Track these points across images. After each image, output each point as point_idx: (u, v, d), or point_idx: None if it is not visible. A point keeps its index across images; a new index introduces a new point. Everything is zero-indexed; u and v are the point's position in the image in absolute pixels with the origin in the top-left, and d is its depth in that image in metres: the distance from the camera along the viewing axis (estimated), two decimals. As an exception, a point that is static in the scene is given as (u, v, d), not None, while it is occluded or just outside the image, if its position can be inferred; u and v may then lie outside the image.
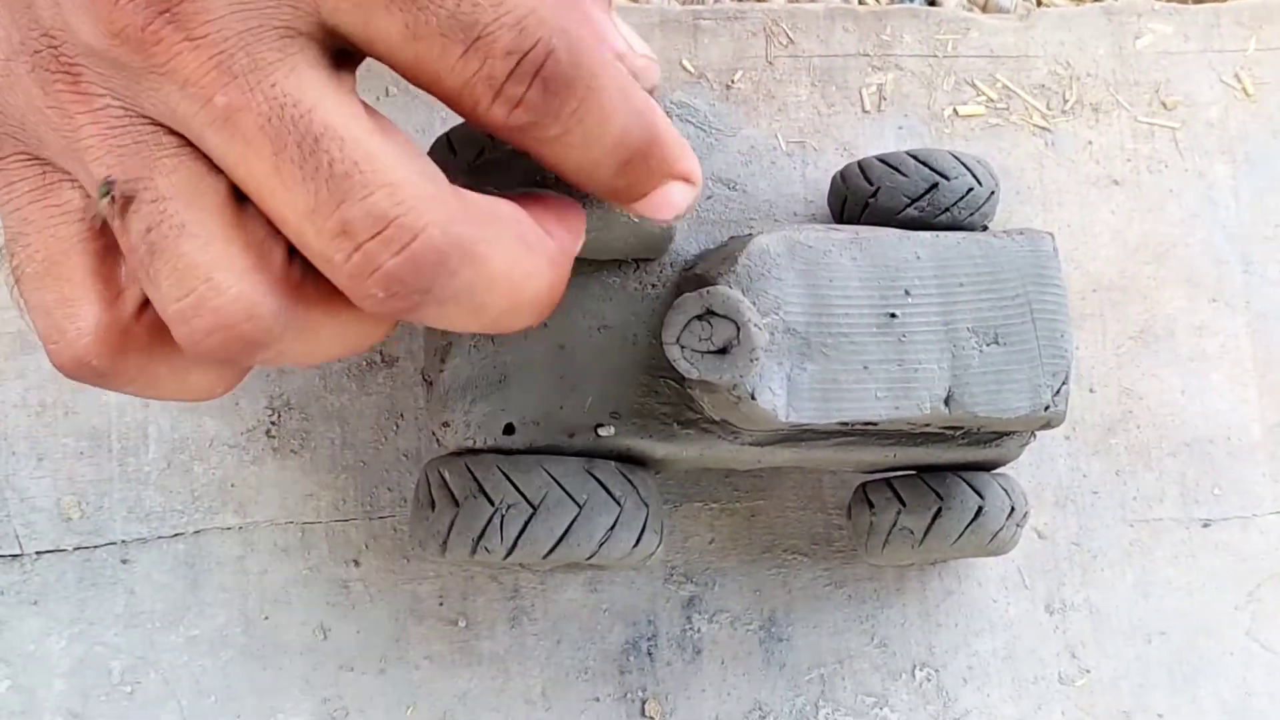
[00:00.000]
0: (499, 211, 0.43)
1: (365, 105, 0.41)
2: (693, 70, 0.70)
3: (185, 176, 0.40)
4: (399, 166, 0.40)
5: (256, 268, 0.41)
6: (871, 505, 0.63)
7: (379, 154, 0.39)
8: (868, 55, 0.71)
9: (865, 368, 0.56)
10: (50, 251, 0.42)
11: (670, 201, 0.46)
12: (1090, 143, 0.72)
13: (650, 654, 0.66)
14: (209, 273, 0.40)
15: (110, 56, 0.39)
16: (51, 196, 0.42)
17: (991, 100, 0.71)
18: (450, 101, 0.41)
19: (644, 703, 0.65)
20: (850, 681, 0.67)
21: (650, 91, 0.48)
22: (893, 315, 0.57)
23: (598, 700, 0.65)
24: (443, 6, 0.39)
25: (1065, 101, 0.72)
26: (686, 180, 0.46)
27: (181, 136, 0.40)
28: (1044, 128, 0.72)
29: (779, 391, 0.54)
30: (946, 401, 0.57)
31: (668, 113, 0.69)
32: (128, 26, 0.38)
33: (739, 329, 0.52)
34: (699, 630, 0.66)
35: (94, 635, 0.62)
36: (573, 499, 0.56)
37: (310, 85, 0.39)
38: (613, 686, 0.65)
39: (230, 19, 0.38)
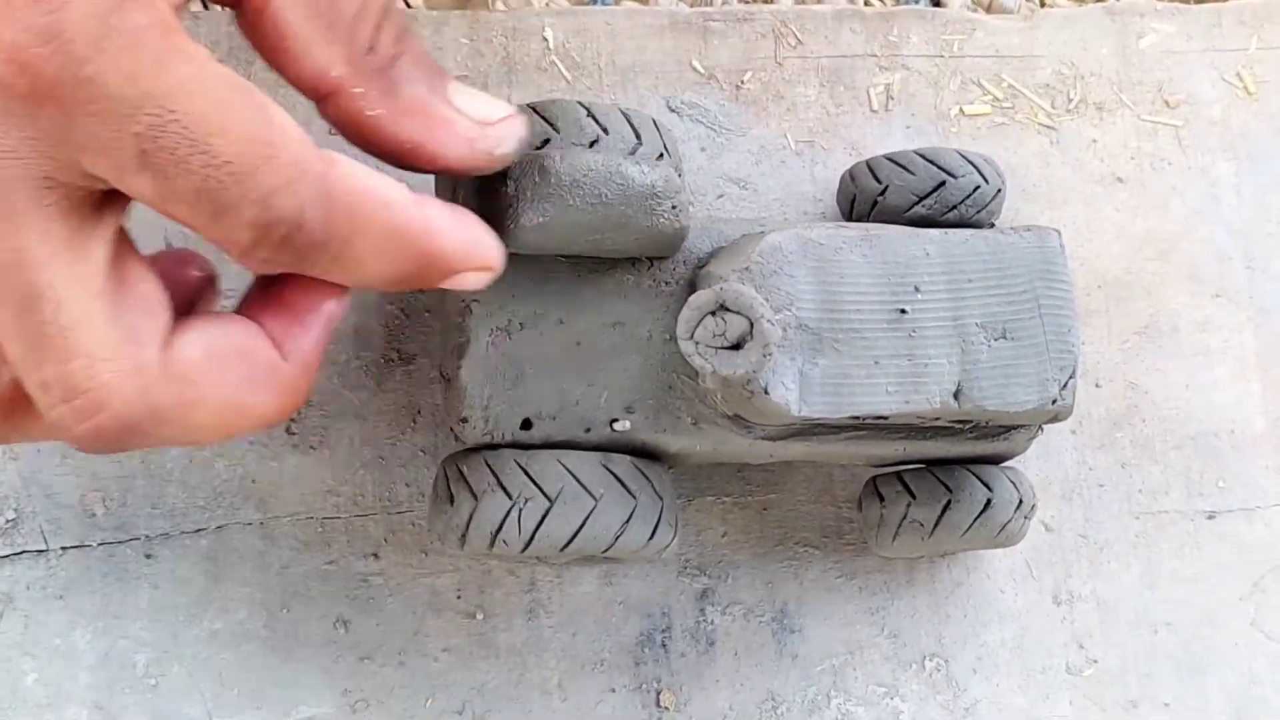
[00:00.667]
0: (218, 357, 0.45)
1: (119, 251, 0.43)
2: (703, 71, 0.71)
3: None
4: (106, 338, 0.42)
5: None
6: (882, 498, 0.64)
7: (89, 322, 0.41)
8: (875, 56, 0.72)
9: (876, 363, 0.57)
10: None
11: (461, 286, 0.48)
12: (1094, 141, 0.73)
13: (665, 645, 0.67)
14: None
15: None
16: None
17: (997, 99, 0.73)
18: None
19: (659, 693, 0.66)
20: (861, 672, 0.68)
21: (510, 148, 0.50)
22: (903, 311, 0.58)
23: (613, 691, 0.66)
24: (190, 177, 0.41)
25: (1070, 100, 0.73)
26: (480, 270, 0.48)
27: None
28: (1049, 126, 0.73)
29: (791, 386, 0.55)
30: (956, 396, 0.58)
31: (677, 112, 0.70)
32: None
33: (752, 324, 0.53)
34: (712, 622, 0.67)
35: (119, 629, 0.63)
36: (589, 493, 0.57)
37: (49, 241, 0.41)
38: (628, 677, 0.67)
39: None
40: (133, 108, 0.39)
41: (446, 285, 0.48)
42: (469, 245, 0.47)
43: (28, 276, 0.40)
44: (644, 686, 0.66)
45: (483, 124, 0.49)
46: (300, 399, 0.47)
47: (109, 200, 0.42)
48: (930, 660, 0.68)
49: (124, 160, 0.40)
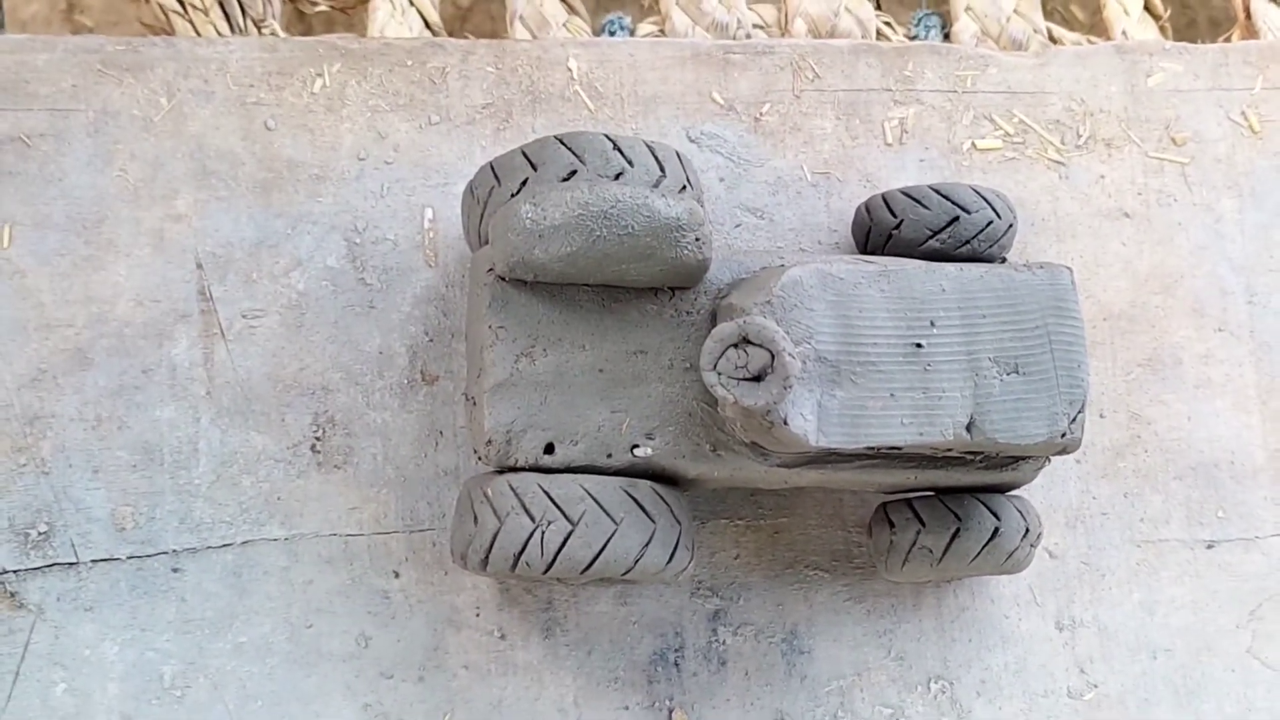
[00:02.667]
0: None
1: None
2: (722, 102, 0.72)
3: None
4: None
5: None
6: (892, 525, 0.66)
7: None
8: (890, 90, 0.74)
9: (892, 395, 0.59)
10: None
11: None
12: (1102, 177, 0.75)
13: (677, 665, 0.68)
14: None
15: None
16: None
17: (1009, 135, 0.74)
18: None
19: (671, 711, 0.68)
20: (868, 693, 0.69)
21: None
22: (919, 345, 0.59)
23: (627, 709, 0.68)
24: None
25: (1079, 137, 0.75)
26: None
27: None
28: (1058, 162, 0.74)
29: (810, 417, 0.57)
30: (968, 428, 0.60)
31: (697, 143, 0.72)
32: None
33: (773, 357, 0.55)
34: (724, 642, 0.69)
35: (146, 641, 0.65)
36: (610, 516, 0.59)
37: None
38: (641, 695, 0.68)
39: None
40: None
41: None
42: None
43: None
44: (657, 705, 0.68)
45: None
46: None
47: None
48: (935, 683, 0.70)
49: None
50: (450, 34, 0.77)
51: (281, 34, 0.75)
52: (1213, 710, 0.71)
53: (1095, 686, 0.71)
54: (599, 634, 0.68)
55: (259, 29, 0.76)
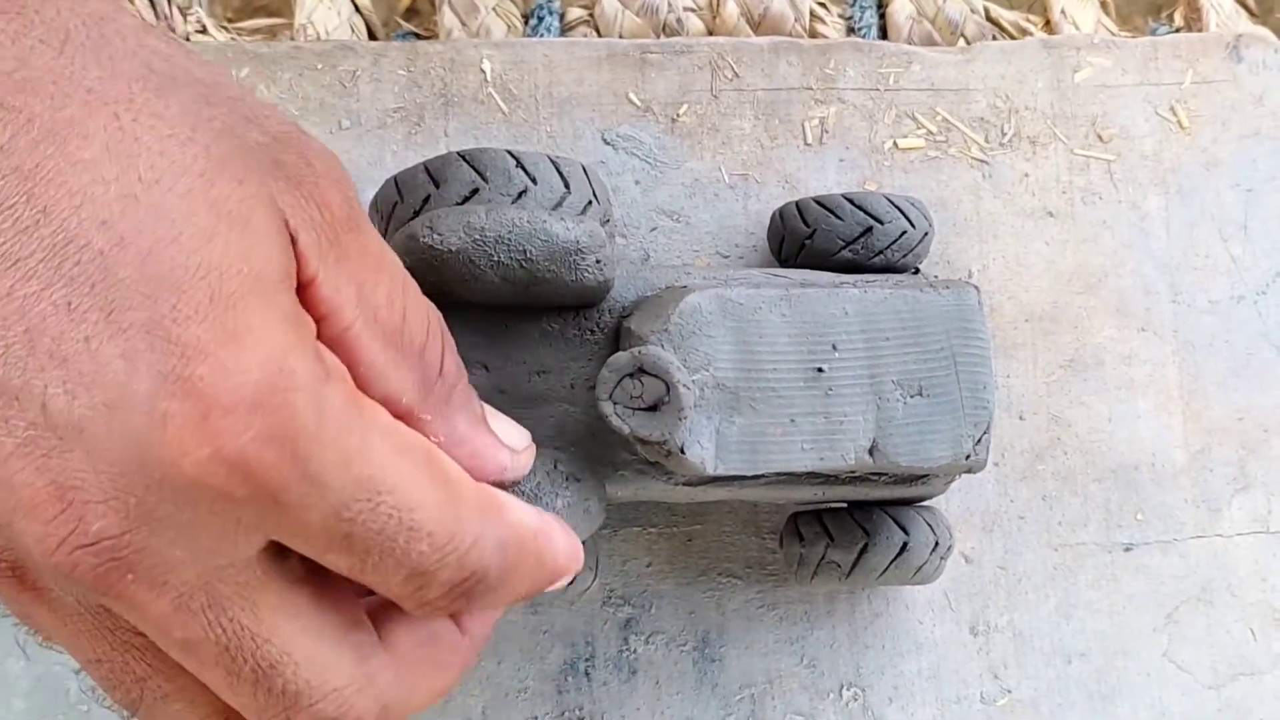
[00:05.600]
0: (420, 645, 0.47)
1: (307, 576, 0.44)
2: (639, 104, 0.72)
3: (158, 657, 0.43)
4: (341, 669, 0.43)
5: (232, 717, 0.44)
6: (801, 538, 0.66)
7: (325, 664, 0.43)
8: (811, 89, 0.73)
9: (792, 420, 0.58)
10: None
11: (554, 588, 0.50)
12: (1027, 175, 0.74)
13: (588, 674, 0.68)
14: None
15: (68, 586, 0.40)
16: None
17: (931, 133, 0.73)
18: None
19: (580, 721, 0.68)
20: (780, 701, 0.69)
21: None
22: (820, 370, 0.59)
23: (536, 719, 0.68)
24: (390, 554, 0.41)
25: (1004, 134, 0.74)
26: (573, 573, 0.50)
27: None
28: (982, 160, 0.74)
29: (707, 445, 0.57)
30: (871, 452, 0.59)
31: (613, 145, 0.71)
32: (90, 585, 0.39)
33: (669, 387, 0.54)
34: (635, 651, 0.69)
35: (51, 656, 0.65)
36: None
37: (264, 614, 0.41)
38: (550, 705, 0.68)
39: (188, 564, 0.39)
40: (347, 496, 0.40)
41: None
42: (573, 556, 0.50)
43: (255, 655, 0.41)
44: (566, 714, 0.68)
45: (513, 453, 0.51)
46: (470, 669, 0.50)
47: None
48: (848, 689, 0.70)
49: (330, 542, 0.41)
50: (384, 21, 0.76)
51: (207, 20, 0.74)
52: (1127, 714, 0.72)
53: (1009, 692, 0.71)
54: (508, 644, 0.68)
55: (184, 15, 0.75)
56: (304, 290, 0.42)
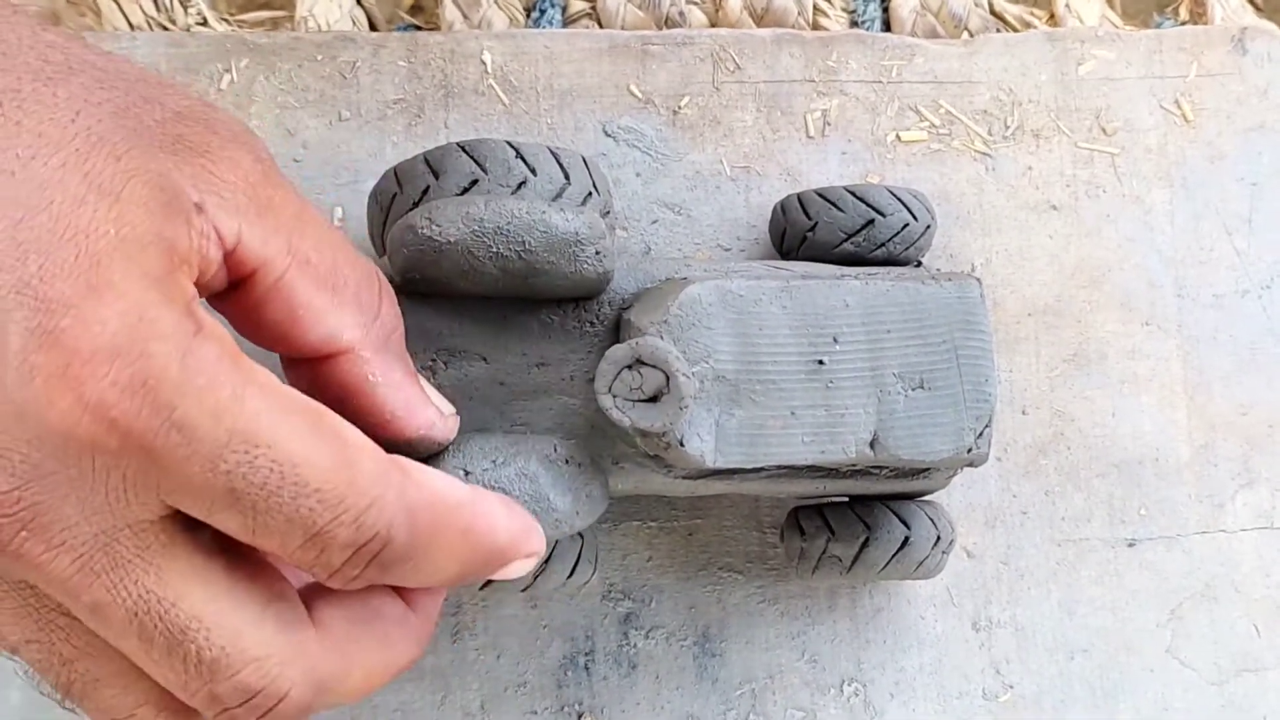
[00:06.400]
0: (357, 620, 0.47)
1: (225, 551, 0.44)
2: (640, 95, 0.71)
3: (83, 638, 0.43)
4: (262, 637, 0.43)
5: (168, 704, 0.45)
6: (802, 532, 0.66)
7: (242, 632, 0.43)
8: (813, 81, 0.73)
9: (792, 413, 0.58)
10: None
11: (507, 576, 0.50)
12: (1030, 168, 0.73)
13: (587, 669, 0.68)
14: (130, 710, 0.45)
15: None
16: None
17: (934, 126, 0.73)
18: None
19: (580, 716, 0.68)
20: (780, 696, 0.69)
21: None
22: (820, 362, 0.58)
23: (535, 714, 0.68)
24: (279, 511, 0.42)
25: (1007, 127, 0.74)
26: (529, 557, 0.50)
27: None
28: (985, 153, 0.73)
29: (707, 438, 0.56)
30: (872, 445, 0.59)
31: (614, 137, 0.71)
32: None
33: (668, 379, 0.54)
34: (635, 646, 0.68)
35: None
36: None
37: (170, 578, 0.42)
38: (550, 700, 0.68)
39: (84, 524, 0.40)
40: (220, 447, 0.40)
41: (496, 577, 0.50)
42: (521, 535, 0.49)
43: (164, 619, 0.42)
44: (566, 709, 0.68)
45: (441, 414, 0.53)
46: (425, 645, 0.49)
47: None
48: (849, 685, 0.70)
49: (214, 499, 0.41)
50: (388, 18, 0.76)
51: (208, 13, 0.74)
52: (1129, 711, 0.71)
53: (1011, 687, 0.71)
54: (508, 638, 0.68)
55: (185, 8, 0.74)
56: (233, 253, 0.44)
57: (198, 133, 0.45)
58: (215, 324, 0.42)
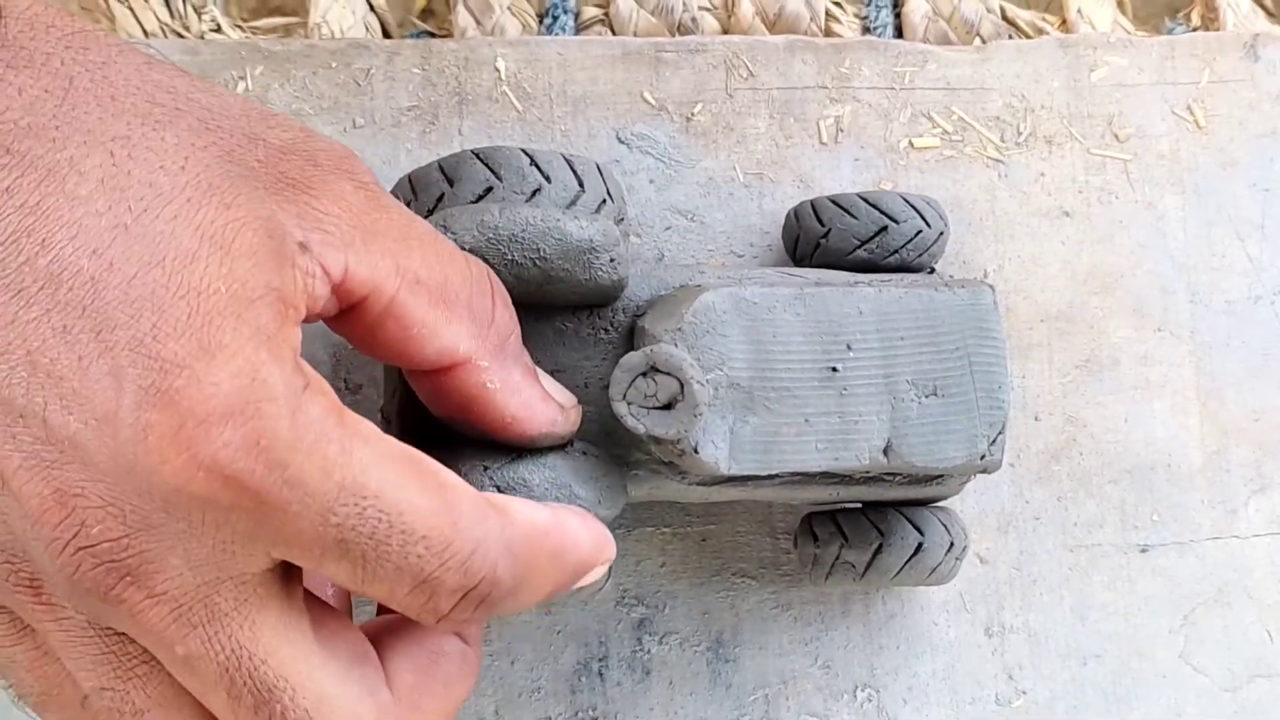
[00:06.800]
0: (425, 670, 0.48)
1: (310, 607, 0.45)
2: (653, 102, 0.71)
3: (159, 688, 0.44)
4: (345, 701, 0.44)
5: None
6: (816, 538, 0.66)
7: (326, 694, 0.44)
8: (826, 88, 0.73)
9: (806, 420, 0.58)
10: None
11: (585, 583, 0.51)
12: (1042, 174, 0.74)
13: (601, 674, 0.68)
14: None
15: (74, 594, 0.42)
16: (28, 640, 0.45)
17: (947, 132, 0.73)
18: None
19: (594, 721, 0.68)
20: (794, 702, 0.69)
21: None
22: (834, 369, 0.59)
23: (549, 719, 0.68)
24: (388, 560, 0.42)
25: (1019, 134, 0.74)
26: (604, 564, 0.51)
27: None
28: (998, 160, 0.73)
29: (721, 445, 0.56)
30: (885, 452, 0.59)
31: (627, 144, 0.71)
32: (91, 587, 0.41)
33: (683, 386, 0.54)
34: (649, 651, 0.69)
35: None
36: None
37: (263, 634, 0.43)
38: (564, 706, 0.68)
39: (189, 574, 0.41)
40: (331, 500, 0.41)
41: (575, 586, 0.50)
42: (598, 546, 0.50)
43: (254, 676, 0.42)
44: (580, 715, 0.68)
45: (562, 408, 0.54)
46: (479, 672, 0.50)
47: (290, 569, 0.44)
48: (862, 690, 0.70)
49: (324, 550, 0.41)
50: (399, 22, 0.76)
51: (222, 20, 0.74)
52: (1142, 717, 0.71)
53: (1024, 693, 0.71)
54: (522, 643, 0.68)
55: (199, 14, 0.74)
56: (341, 284, 0.45)
57: (299, 167, 0.46)
58: (319, 379, 0.43)
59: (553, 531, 0.47)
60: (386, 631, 0.48)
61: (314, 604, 0.46)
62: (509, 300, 0.53)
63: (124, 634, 0.43)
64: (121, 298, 0.40)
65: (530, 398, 0.52)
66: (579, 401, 0.59)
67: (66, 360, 0.39)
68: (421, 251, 0.48)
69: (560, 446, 0.57)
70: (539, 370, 0.54)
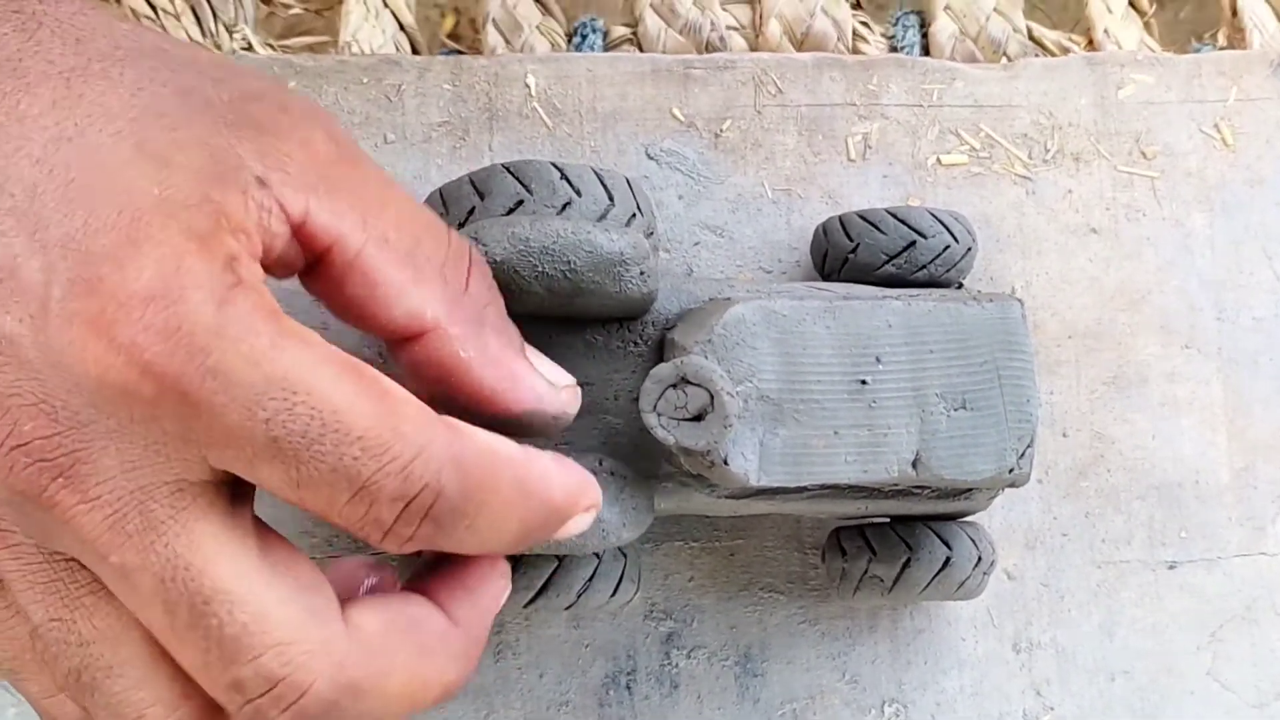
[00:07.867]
0: (395, 628, 0.46)
1: (262, 536, 0.44)
2: (683, 119, 0.72)
3: (105, 619, 0.43)
4: (288, 621, 0.42)
5: (185, 695, 0.44)
6: (844, 552, 0.66)
7: (268, 612, 0.42)
8: (854, 105, 0.73)
9: (836, 433, 0.58)
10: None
11: (569, 533, 0.49)
12: (1070, 191, 0.74)
13: (629, 688, 0.68)
14: (140, 710, 0.44)
15: (14, 506, 0.41)
16: None
17: (974, 149, 0.73)
18: (344, 530, 0.44)
19: (622, 735, 0.68)
20: (821, 717, 0.69)
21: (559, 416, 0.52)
22: (863, 382, 0.59)
23: (577, 732, 0.68)
24: (324, 459, 0.41)
25: (1047, 151, 0.74)
26: (587, 511, 0.49)
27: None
28: (1025, 176, 0.74)
29: (751, 457, 0.57)
30: (914, 465, 0.59)
31: (656, 160, 0.71)
32: (25, 488, 0.40)
33: (713, 397, 0.55)
34: (677, 665, 0.69)
35: None
36: (552, 551, 0.59)
37: (202, 543, 0.41)
38: (592, 719, 0.68)
39: (122, 478, 0.41)
40: (258, 393, 0.40)
41: (559, 535, 0.49)
42: (578, 487, 0.48)
43: (189, 586, 0.41)
44: (608, 728, 0.68)
45: (552, 385, 0.51)
46: (472, 665, 0.48)
47: (238, 489, 0.43)
48: (889, 706, 0.70)
49: (255, 449, 0.40)
50: (428, 45, 0.76)
51: (253, 38, 0.75)
52: (1170, 733, 0.71)
53: (1051, 709, 0.71)
54: (550, 657, 0.68)
55: (230, 33, 0.75)
56: (302, 227, 0.44)
57: (268, 111, 0.46)
58: (258, 283, 0.42)
59: (518, 460, 0.46)
60: (365, 597, 0.47)
61: (266, 532, 0.45)
62: (490, 277, 0.52)
63: (72, 561, 0.43)
64: (59, 199, 0.40)
65: (511, 371, 0.50)
66: (608, 413, 0.60)
67: (2, 260, 0.40)
68: (396, 212, 0.47)
69: (587, 463, 0.57)
70: (531, 348, 0.52)
